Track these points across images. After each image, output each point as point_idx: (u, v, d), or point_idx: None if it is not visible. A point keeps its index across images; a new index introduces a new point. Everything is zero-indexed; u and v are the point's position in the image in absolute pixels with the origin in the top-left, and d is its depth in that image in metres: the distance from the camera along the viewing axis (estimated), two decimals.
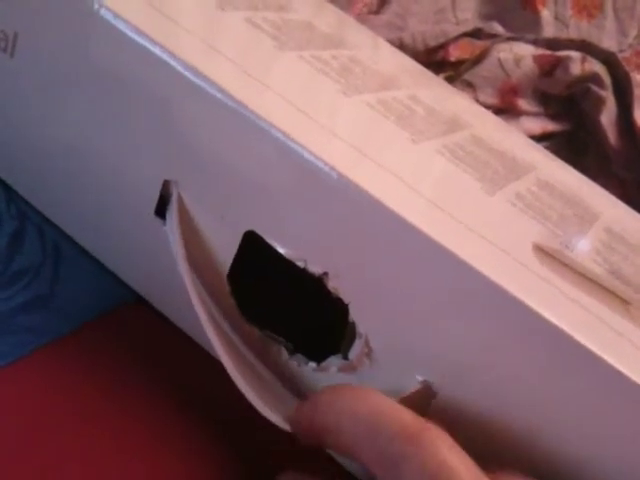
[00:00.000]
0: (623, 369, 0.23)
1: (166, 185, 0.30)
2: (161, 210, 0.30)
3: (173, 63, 0.28)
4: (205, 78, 0.28)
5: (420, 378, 0.27)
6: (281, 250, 0.28)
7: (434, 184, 0.29)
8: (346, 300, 0.27)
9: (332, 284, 0.27)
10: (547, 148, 0.44)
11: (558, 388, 0.25)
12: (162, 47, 0.28)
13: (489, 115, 0.43)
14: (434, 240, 0.25)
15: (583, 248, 0.29)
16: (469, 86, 0.48)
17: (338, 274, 0.27)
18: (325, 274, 0.27)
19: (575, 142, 0.49)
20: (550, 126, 0.49)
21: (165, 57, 0.28)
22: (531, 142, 0.42)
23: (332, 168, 0.26)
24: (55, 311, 0.34)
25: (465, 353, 0.26)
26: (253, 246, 0.29)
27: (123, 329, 0.34)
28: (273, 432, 0.32)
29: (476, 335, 0.26)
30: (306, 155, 0.27)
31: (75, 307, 0.35)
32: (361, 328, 0.27)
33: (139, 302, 0.34)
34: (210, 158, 0.29)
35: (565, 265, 0.27)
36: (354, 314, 0.27)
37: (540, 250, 0.27)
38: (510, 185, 0.31)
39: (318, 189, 0.27)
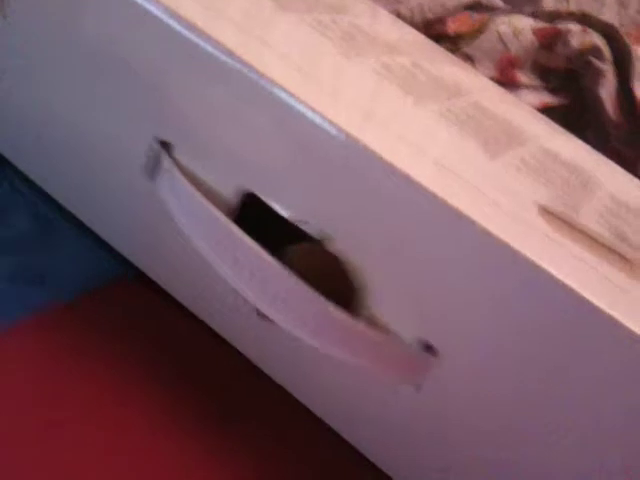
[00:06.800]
0: (631, 325, 0.23)
1: (159, 147, 0.29)
2: (153, 174, 0.30)
3: (171, 22, 0.28)
4: (205, 36, 0.27)
5: (419, 337, 0.26)
6: (282, 212, 0.27)
7: (437, 145, 0.28)
8: (350, 262, 0.27)
9: (335, 246, 0.27)
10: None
11: (565, 346, 0.25)
12: (160, 5, 0.28)
13: (492, 85, 0.42)
14: (443, 200, 0.25)
15: (588, 212, 0.28)
16: (468, 59, 0.47)
17: (341, 235, 0.27)
18: (328, 235, 0.27)
19: (575, 116, 0.49)
20: (550, 100, 0.48)
21: (162, 15, 0.28)
22: (534, 112, 0.41)
23: (337, 128, 0.26)
24: (42, 283, 0.33)
25: (470, 314, 0.25)
26: (252, 208, 0.28)
27: (118, 303, 0.33)
28: (275, 403, 0.31)
29: (481, 295, 0.25)
30: (309, 115, 0.26)
31: (65, 280, 0.34)
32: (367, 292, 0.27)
33: (139, 277, 0.33)
34: (207, 119, 0.28)
35: (572, 226, 0.27)
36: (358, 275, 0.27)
37: (546, 212, 0.26)
38: (513, 151, 0.30)
39: (321, 150, 0.26)
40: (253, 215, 0.28)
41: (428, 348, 0.26)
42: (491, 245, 0.24)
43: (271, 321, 0.27)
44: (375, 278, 0.27)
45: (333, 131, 0.26)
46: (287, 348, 0.29)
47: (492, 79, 0.47)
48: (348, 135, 0.26)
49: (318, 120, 0.26)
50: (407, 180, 0.25)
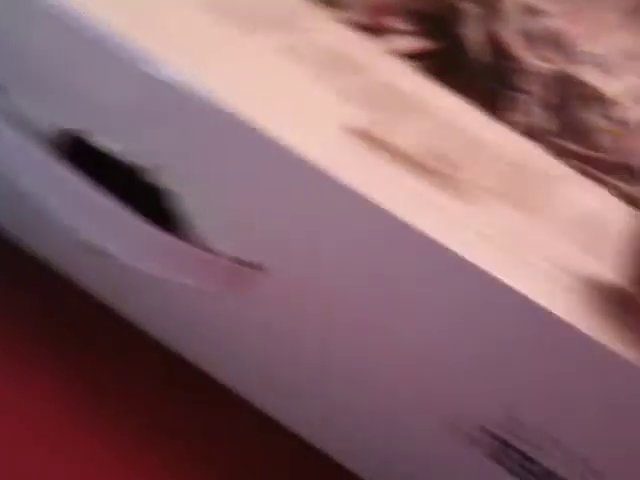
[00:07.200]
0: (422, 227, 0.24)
1: None
2: None
3: None
4: None
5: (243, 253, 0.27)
6: (108, 145, 0.28)
7: (264, 76, 0.29)
8: (176, 191, 0.28)
9: (161, 176, 0.27)
10: (420, 68, 0.44)
11: (385, 266, 0.25)
12: None
13: (349, 31, 0.43)
14: (252, 124, 0.25)
15: (408, 133, 0.29)
16: (337, 6, 0.47)
17: (168, 166, 0.27)
18: (156, 167, 0.27)
19: (448, 61, 0.49)
20: (422, 45, 0.49)
21: None
22: (391, 56, 0.42)
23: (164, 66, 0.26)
24: None
25: (287, 231, 0.26)
26: (80, 146, 0.28)
27: None
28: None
29: (295, 213, 0.26)
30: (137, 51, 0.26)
31: None
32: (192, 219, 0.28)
33: None
34: (33, 58, 0.28)
35: (388, 147, 0.27)
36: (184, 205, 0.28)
37: (360, 132, 0.27)
38: (343, 79, 0.31)
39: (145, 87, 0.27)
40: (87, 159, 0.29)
41: (252, 264, 0.27)
42: (302, 167, 0.25)
43: (103, 254, 0.28)
44: (198, 205, 0.27)
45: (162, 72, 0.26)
46: (123, 280, 0.30)
47: (363, 25, 0.47)
48: (172, 70, 0.26)
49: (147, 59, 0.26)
50: (220, 108, 0.26)
